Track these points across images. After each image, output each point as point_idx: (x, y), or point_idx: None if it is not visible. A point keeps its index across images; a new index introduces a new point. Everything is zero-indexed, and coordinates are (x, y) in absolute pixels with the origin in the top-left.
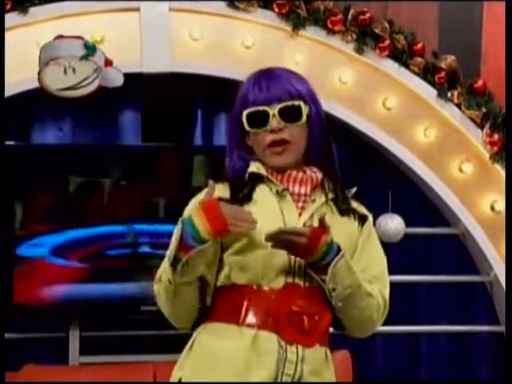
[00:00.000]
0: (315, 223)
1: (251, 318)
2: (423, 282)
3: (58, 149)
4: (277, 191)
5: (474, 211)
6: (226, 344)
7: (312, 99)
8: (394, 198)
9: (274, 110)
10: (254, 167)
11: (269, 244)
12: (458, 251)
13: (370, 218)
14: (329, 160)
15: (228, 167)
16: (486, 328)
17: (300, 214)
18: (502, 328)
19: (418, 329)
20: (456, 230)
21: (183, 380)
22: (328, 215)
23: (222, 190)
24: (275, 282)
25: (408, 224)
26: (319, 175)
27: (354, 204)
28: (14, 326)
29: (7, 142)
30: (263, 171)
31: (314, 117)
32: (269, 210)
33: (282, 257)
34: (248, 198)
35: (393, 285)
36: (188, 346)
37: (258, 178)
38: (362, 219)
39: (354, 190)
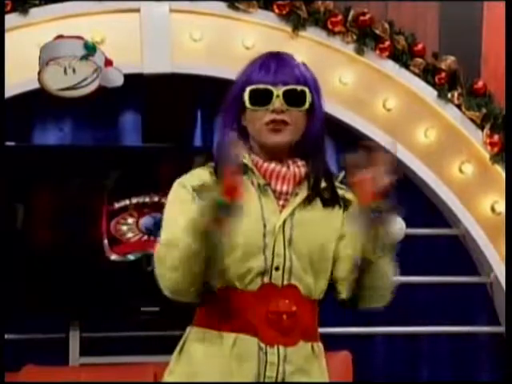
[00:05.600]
0: (295, 220)
1: (230, 322)
2: (423, 282)
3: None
4: (258, 184)
5: (474, 212)
6: (207, 351)
7: (316, 90)
8: (394, 198)
9: (278, 91)
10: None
11: (243, 246)
12: (458, 252)
13: (355, 202)
14: (320, 152)
15: (216, 146)
16: (486, 329)
17: (281, 212)
18: (502, 329)
19: (418, 330)
20: (456, 231)
21: None
22: (310, 209)
23: (206, 175)
24: (252, 284)
25: (408, 225)
26: (303, 170)
27: (341, 191)
28: (14, 326)
29: (8, 143)
30: (248, 161)
31: (316, 106)
32: (248, 207)
33: (257, 258)
34: None
35: None
36: (177, 350)
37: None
38: (348, 204)
39: (341, 175)
